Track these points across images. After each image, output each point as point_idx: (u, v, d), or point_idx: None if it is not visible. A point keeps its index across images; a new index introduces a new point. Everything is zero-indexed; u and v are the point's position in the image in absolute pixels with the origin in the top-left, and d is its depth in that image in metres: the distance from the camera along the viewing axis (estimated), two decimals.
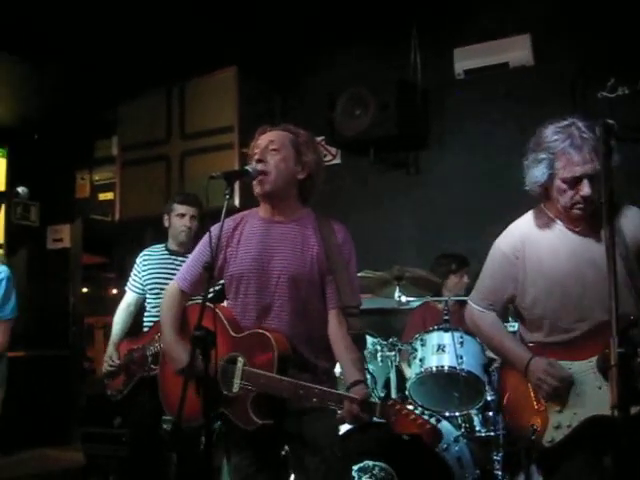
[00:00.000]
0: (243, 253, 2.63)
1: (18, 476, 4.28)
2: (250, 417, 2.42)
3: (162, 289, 3.97)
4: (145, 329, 4.13)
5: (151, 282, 4.14)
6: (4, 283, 3.95)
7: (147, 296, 4.19)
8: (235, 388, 2.48)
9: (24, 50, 5.53)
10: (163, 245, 4.25)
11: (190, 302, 2.82)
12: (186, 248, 4.11)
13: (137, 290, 4.23)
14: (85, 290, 7.07)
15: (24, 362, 6.08)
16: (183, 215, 4.11)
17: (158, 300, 4.05)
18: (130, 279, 4.28)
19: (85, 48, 5.55)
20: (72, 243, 7.40)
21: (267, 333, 2.47)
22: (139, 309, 4.28)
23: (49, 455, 6.58)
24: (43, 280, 7.01)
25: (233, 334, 2.57)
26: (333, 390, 2.37)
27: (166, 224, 4.21)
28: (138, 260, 4.24)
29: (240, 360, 2.50)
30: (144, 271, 4.18)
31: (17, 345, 4.08)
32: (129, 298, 4.26)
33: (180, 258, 4.09)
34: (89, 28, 5.23)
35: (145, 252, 4.25)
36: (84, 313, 7.00)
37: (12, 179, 7.34)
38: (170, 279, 3.95)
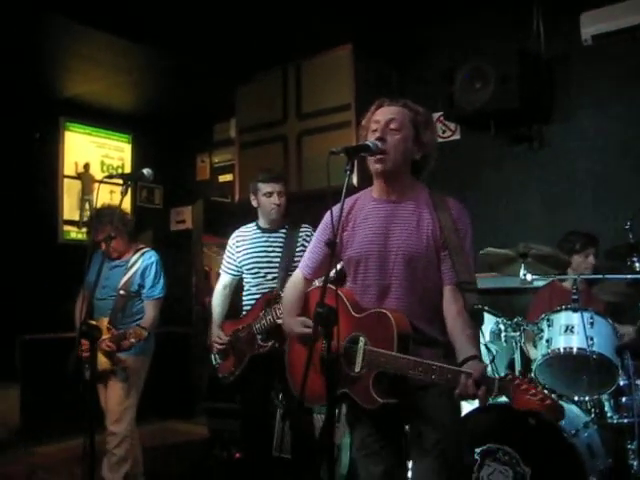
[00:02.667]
0: (360, 235, 2.62)
1: (145, 447, 4.50)
2: (372, 396, 2.41)
3: (261, 267, 4.10)
4: (247, 307, 4.15)
5: (248, 262, 4.15)
6: (154, 266, 4.38)
7: (245, 276, 4.21)
8: (357, 367, 2.48)
9: (145, 37, 5.69)
10: (254, 224, 4.25)
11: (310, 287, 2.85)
12: (278, 224, 4.17)
13: (232, 272, 4.26)
14: (207, 270, 7.29)
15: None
16: (270, 193, 4.10)
17: (258, 279, 4.13)
18: (224, 261, 4.31)
19: (203, 32, 5.65)
20: (194, 224, 7.66)
21: (387, 312, 2.45)
22: (235, 290, 4.34)
23: (175, 428, 6.89)
24: (167, 260, 7.28)
25: (355, 314, 2.57)
26: (450, 366, 2.29)
27: (254, 204, 4.20)
28: (231, 242, 4.26)
29: (362, 340, 2.50)
30: (238, 252, 4.19)
31: None
32: (225, 280, 4.30)
33: (274, 235, 4.15)
34: (207, 12, 5.31)
35: (237, 233, 4.27)
36: (206, 292, 7.22)
37: (137, 164, 7.69)
38: (267, 257, 4.09)
